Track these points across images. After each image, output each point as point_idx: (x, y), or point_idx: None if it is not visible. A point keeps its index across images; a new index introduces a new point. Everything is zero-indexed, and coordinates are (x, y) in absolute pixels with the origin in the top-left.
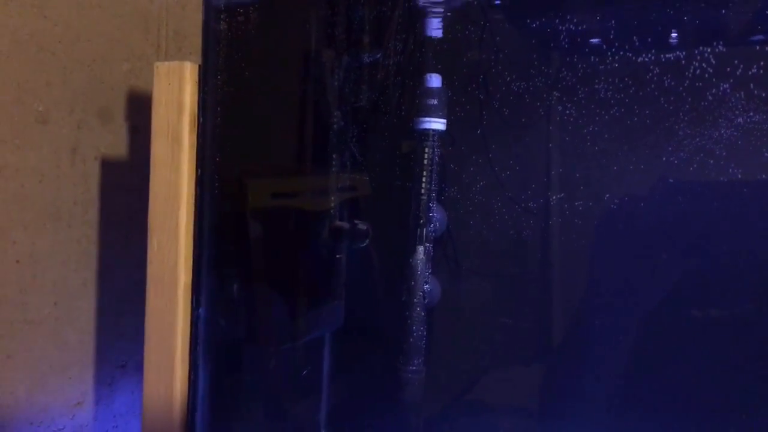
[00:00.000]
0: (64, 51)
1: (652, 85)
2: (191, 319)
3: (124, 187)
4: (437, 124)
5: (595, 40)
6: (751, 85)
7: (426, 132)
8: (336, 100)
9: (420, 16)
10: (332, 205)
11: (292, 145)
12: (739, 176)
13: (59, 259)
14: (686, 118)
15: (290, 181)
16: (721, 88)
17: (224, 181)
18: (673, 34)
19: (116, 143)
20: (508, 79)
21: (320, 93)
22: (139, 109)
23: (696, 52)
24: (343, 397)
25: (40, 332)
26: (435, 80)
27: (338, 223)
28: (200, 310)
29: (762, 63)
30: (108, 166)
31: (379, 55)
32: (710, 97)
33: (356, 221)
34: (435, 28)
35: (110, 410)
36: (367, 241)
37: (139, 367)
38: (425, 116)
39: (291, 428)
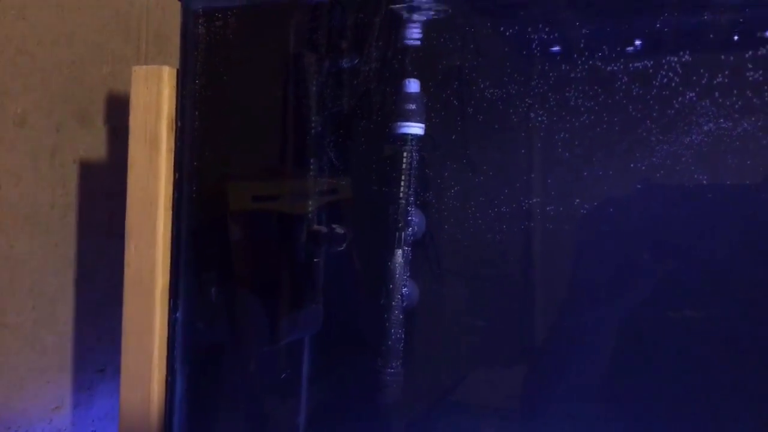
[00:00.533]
0: (43, 53)
1: (621, 93)
2: (169, 323)
3: (104, 190)
4: (415, 128)
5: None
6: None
7: (404, 136)
8: (316, 105)
9: (399, 21)
10: (314, 208)
11: (274, 148)
12: (709, 180)
13: (37, 263)
14: (661, 125)
15: (271, 185)
16: (688, 96)
17: (204, 185)
18: (638, 42)
19: (95, 146)
20: (488, 84)
21: (301, 97)
22: (118, 113)
23: (664, 61)
24: (321, 399)
25: (18, 336)
26: (413, 85)
27: (316, 226)
28: (177, 313)
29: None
30: (87, 169)
31: (359, 61)
32: (680, 104)
33: (334, 225)
34: (414, 33)
35: (88, 415)
36: (345, 244)
37: (117, 372)
38: (403, 121)
39: (269, 431)
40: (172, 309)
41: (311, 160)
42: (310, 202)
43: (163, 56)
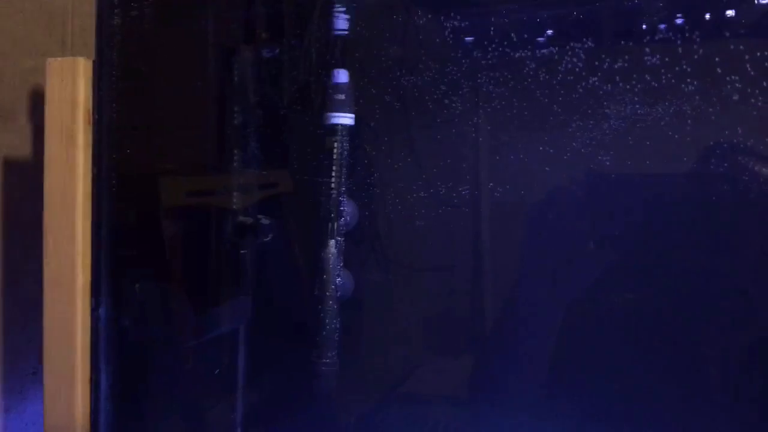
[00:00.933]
0: None
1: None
2: (91, 321)
3: (28, 189)
4: (345, 119)
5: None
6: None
7: (335, 127)
8: (249, 96)
9: (330, 10)
10: (251, 202)
11: (208, 142)
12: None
13: None
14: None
15: (206, 179)
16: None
17: (124, 179)
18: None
19: (18, 144)
20: (422, 74)
21: (232, 88)
22: (42, 109)
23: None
24: (256, 392)
25: None
26: (342, 76)
27: (242, 218)
28: (100, 310)
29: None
30: (10, 168)
31: (281, 51)
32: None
33: (259, 216)
34: (344, 23)
35: (21, 419)
36: (271, 235)
37: None
38: (333, 111)
39: (201, 428)
40: (94, 306)
41: (249, 153)
42: (250, 196)
43: (89, 50)
